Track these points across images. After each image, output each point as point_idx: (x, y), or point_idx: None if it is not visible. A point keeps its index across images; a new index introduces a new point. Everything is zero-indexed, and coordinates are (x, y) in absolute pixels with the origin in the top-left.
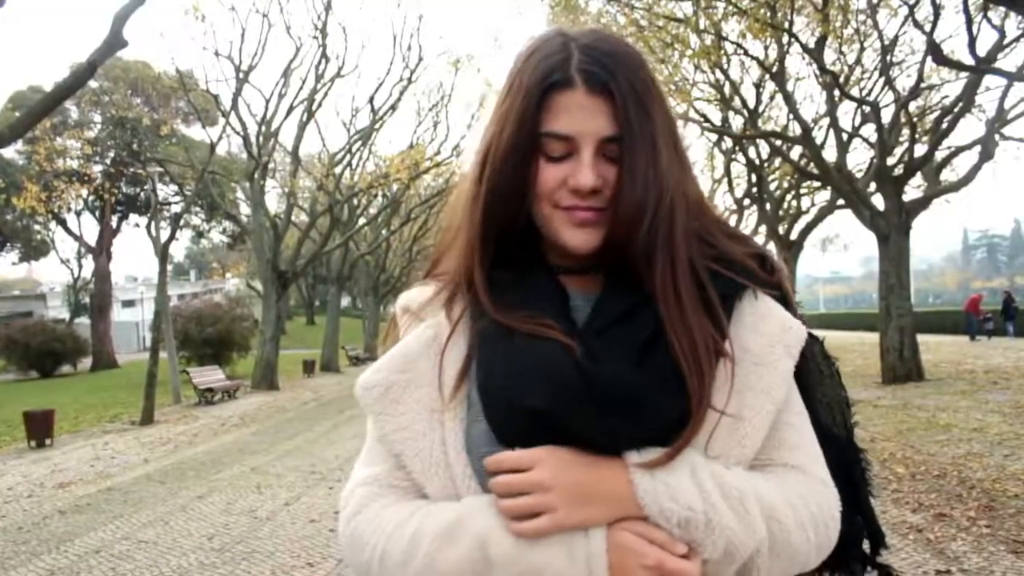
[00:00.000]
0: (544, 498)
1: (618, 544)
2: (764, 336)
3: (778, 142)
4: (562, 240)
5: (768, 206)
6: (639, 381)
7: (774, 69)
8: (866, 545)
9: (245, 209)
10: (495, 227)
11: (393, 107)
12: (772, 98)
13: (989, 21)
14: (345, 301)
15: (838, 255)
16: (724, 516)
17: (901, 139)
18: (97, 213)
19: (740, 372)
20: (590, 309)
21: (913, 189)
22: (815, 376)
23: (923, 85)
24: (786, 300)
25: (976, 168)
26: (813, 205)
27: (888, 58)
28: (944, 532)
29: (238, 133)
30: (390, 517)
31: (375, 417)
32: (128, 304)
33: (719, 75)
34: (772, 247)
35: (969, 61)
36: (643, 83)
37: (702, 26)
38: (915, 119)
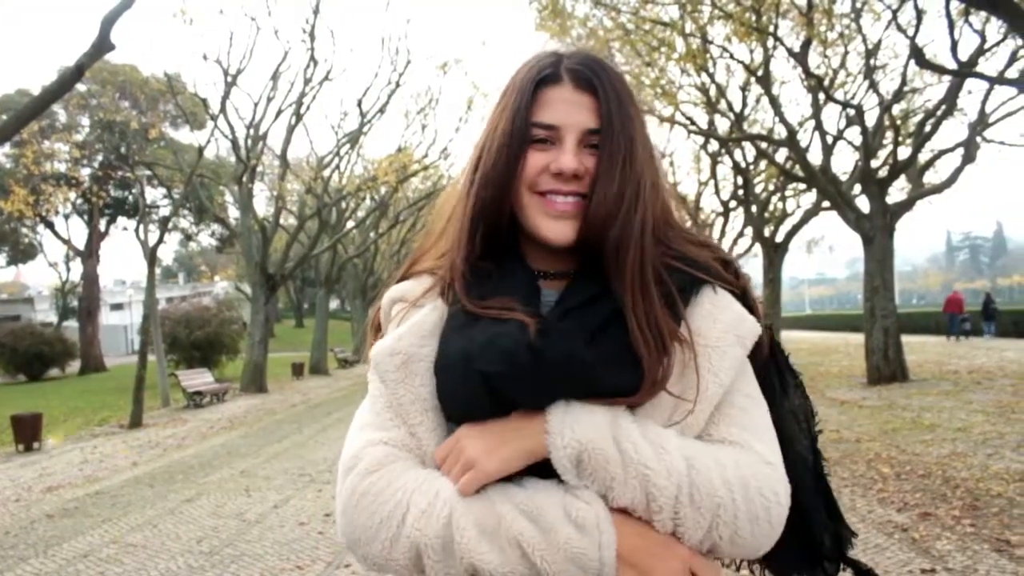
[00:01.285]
0: (466, 457)
1: (630, 530)
2: (719, 323)
3: (764, 145)
4: (538, 230)
5: (754, 208)
6: (587, 358)
7: (759, 72)
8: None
9: (233, 212)
10: (485, 216)
11: (381, 110)
12: (758, 101)
13: (970, 25)
14: (334, 304)
15: (823, 257)
16: (642, 453)
17: (885, 142)
18: (85, 216)
19: (691, 356)
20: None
21: (897, 191)
22: (781, 387)
23: (906, 88)
24: (750, 306)
25: (958, 170)
26: (798, 207)
27: (872, 62)
28: (929, 531)
29: (226, 136)
30: (415, 476)
31: (392, 385)
32: (116, 307)
33: (705, 78)
34: (758, 249)
35: (951, 65)
36: (625, 91)
37: (688, 30)
38: (898, 122)
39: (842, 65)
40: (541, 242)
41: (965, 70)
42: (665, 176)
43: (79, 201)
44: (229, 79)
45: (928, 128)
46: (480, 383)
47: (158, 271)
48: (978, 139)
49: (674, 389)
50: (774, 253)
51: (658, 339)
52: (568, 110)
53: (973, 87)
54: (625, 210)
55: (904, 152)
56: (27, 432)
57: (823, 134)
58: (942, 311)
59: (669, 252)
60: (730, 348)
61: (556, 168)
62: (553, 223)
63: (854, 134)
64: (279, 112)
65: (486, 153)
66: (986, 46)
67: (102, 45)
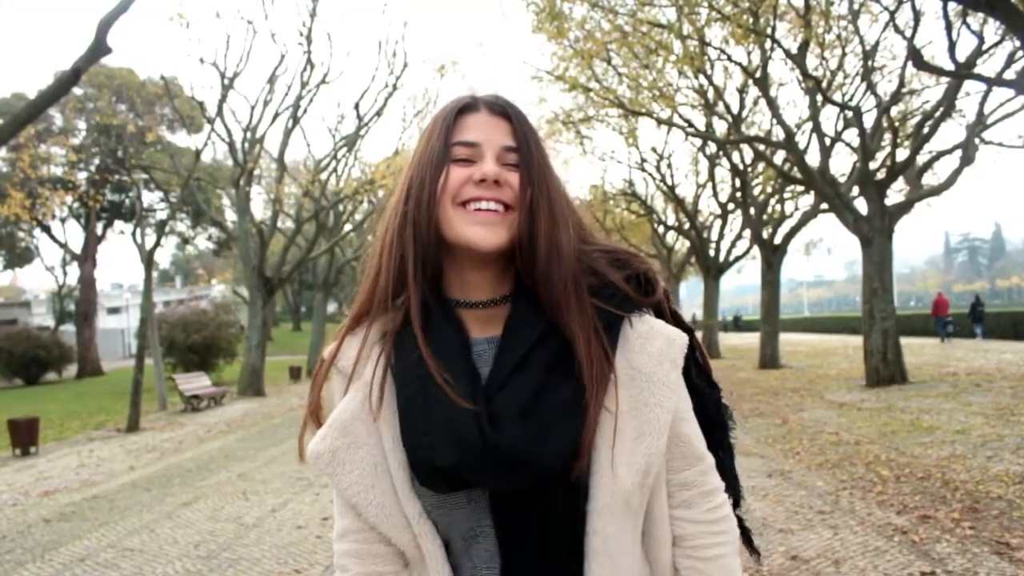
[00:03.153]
0: None
1: None
2: (652, 356)
3: (761, 147)
4: (466, 238)
5: (752, 210)
6: (530, 440)
7: (757, 74)
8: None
9: (231, 215)
10: (418, 238)
11: (378, 113)
12: (755, 103)
13: (968, 27)
14: (331, 307)
15: (822, 259)
16: None
17: (883, 144)
18: (82, 220)
19: (635, 391)
20: (493, 356)
21: (895, 193)
22: (695, 370)
23: (904, 90)
24: (662, 310)
25: (957, 172)
26: (797, 209)
27: (870, 63)
28: (928, 534)
29: (223, 140)
30: None
31: (331, 477)
32: (113, 311)
33: (703, 80)
34: (756, 251)
35: (949, 66)
36: (532, 125)
37: (685, 32)
38: (897, 124)
39: (840, 67)
40: (469, 251)
41: (963, 71)
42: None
43: (76, 205)
44: (226, 82)
45: (926, 130)
46: (439, 471)
47: (155, 275)
48: (976, 141)
49: (630, 427)
50: (772, 255)
51: (594, 382)
52: (486, 130)
53: (971, 88)
54: (563, 225)
55: (902, 154)
56: (24, 436)
57: (821, 136)
58: (931, 315)
59: (593, 280)
60: (668, 375)
61: (480, 175)
62: (480, 228)
63: (852, 136)
64: (276, 115)
65: (414, 182)
66: (984, 47)
67: (99, 48)
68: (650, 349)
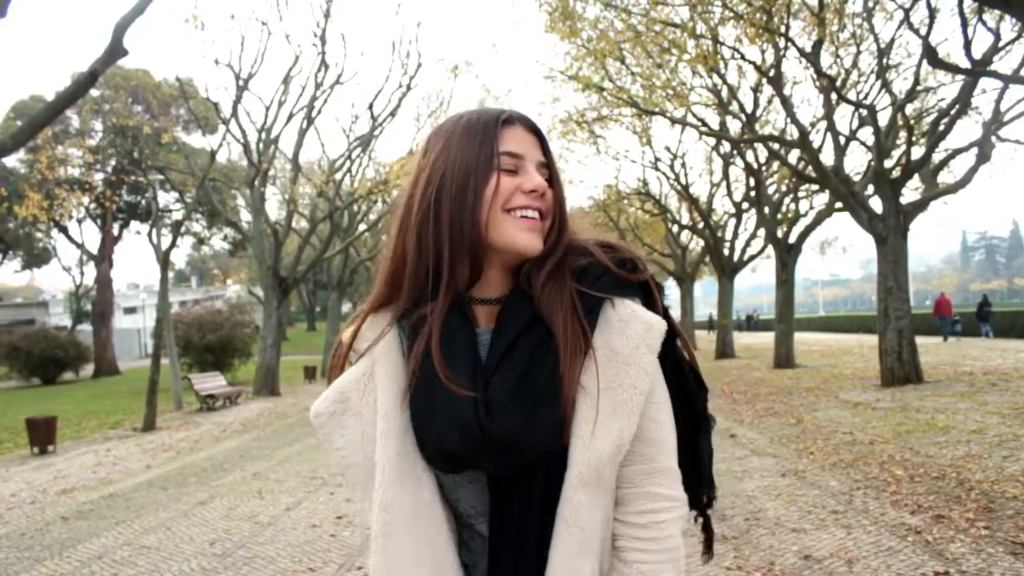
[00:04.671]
0: None
1: None
2: (630, 339)
3: (776, 146)
4: (515, 243)
5: (767, 209)
6: (519, 425)
7: (771, 73)
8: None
9: (246, 216)
10: (463, 240)
11: (392, 113)
12: (769, 102)
13: (984, 24)
14: (346, 307)
15: (837, 258)
16: None
17: (898, 142)
18: (98, 221)
19: (611, 371)
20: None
21: (910, 191)
22: (678, 367)
23: (919, 88)
24: (651, 297)
25: (973, 170)
26: (811, 208)
27: (884, 61)
28: (943, 534)
29: (238, 140)
30: None
31: (326, 438)
32: (130, 311)
33: (716, 79)
34: (771, 251)
35: (965, 64)
36: None
37: (699, 31)
38: (912, 122)
39: (854, 65)
40: (515, 255)
41: (979, 69)
42: None
43: (92, 206)
44: (241, 83)
45: (942, 127)
46: (444, 453)
47: (171, 275)
48: (993, 138)
49: (606, 404)
50: (787, 254)
51: (577, 354)
52: (526, 144)
53: (987, 86)
54: (567, 231)
55: (917, 152)
56: (42, 435)
57: (835, 135)
58: (933, 314)
59: (580, 261)
60: (643, 359)
61: (531, 186)
62: (529, 234)
63: (867, 134)
64: (290, 116)
65: (451, 182)
66: (1000, 44)
67: (115, 50)
68: (629, 332)
